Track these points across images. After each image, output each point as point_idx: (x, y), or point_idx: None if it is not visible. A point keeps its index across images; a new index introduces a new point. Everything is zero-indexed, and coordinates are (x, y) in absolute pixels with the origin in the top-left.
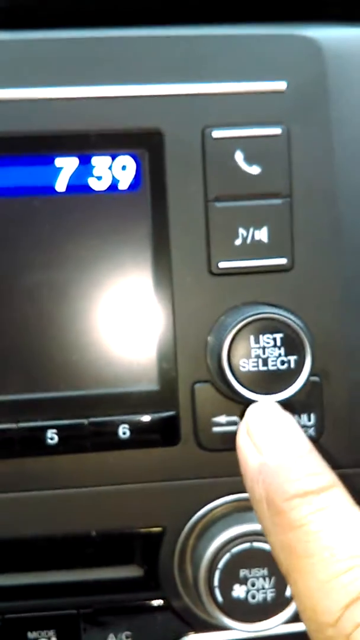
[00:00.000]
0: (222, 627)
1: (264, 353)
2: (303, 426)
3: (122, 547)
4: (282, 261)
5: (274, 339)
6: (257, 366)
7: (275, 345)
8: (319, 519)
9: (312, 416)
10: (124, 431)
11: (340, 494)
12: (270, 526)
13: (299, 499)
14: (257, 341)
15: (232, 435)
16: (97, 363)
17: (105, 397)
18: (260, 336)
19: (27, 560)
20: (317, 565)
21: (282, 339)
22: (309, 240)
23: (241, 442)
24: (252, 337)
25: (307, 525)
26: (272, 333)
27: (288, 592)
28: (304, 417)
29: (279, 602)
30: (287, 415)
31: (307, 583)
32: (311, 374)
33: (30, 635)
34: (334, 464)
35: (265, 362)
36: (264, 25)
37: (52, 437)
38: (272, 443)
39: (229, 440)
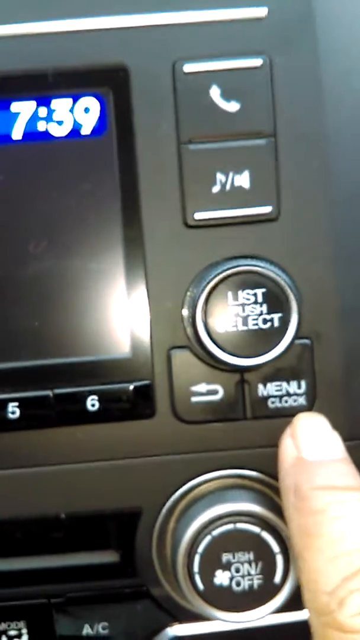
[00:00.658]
0: (209, 617)
1: (243, 311)
2: (293, 394)
3: (95, 531)
4: (267, 210)
5: (255, 295)
6: (236, 326)
7: (256, 302)
8: (338, 508)
9: (303, 383)
10: (92, 403)
11: (355, 486)
12: (292, 512)
13: (323, 491)
14: (235, 298)
15: (213, 406)
16: (62, 329)
17: (71, 366)
18: (239, 292)
19: None
20: (326, 544)
21: (264, 294)
22: (296, 186)
23: (284, 443)
24: (229, 294)
25: (325, 512)
26: (252, 288)
27: (277, 579)
28: (294, 384)
29: (267, 590)
30: (333, 432)
31: (315, 559)
32: (299, 335)
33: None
34: None
35: (245, 321)
36: None
37: (13, 410)
38: (312, 444)
39: (209, 411)
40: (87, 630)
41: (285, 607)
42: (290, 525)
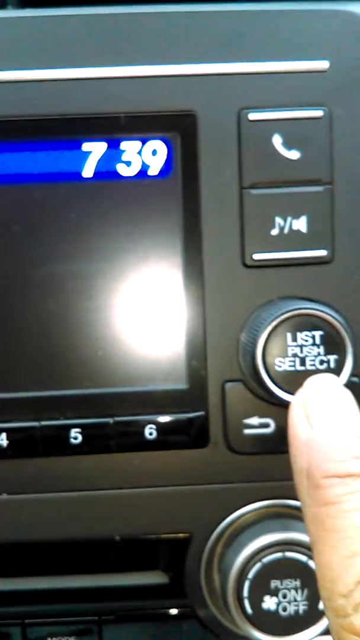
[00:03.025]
0: (248, 638)
1: (301, 352)
2: None
3: (146, 553)
4: (322, 253)
5: (313, 337)
6: (294, 365)
7: (314, 344)
8: (353, 500)
9: None
10: (150, 431)
11: None
12: (306, 497)
13: (338, 479)
14: (294, 339)
15: (265, 438)
16: (123, 359)
17: (131, 396)
18: (298, 333)
19: (48, 564)
20: (341, 541)
21: (321, 336)
22: (351, 230)
23: (294, 411)
24: (289, 335)
25: (340, 504)
26: (310, 330)
27: (321, 606)
28: None
29: (311, 615)
30: (346, 393)
31: (329, 556)
32: (352, 374)
33: None
34: None
35: (303, 362)
36: (306, 0)
37: (75, 436)
38: (325, 419)
39: (261, 444)
40: None
41: (325, 632)
42: (304, 511)
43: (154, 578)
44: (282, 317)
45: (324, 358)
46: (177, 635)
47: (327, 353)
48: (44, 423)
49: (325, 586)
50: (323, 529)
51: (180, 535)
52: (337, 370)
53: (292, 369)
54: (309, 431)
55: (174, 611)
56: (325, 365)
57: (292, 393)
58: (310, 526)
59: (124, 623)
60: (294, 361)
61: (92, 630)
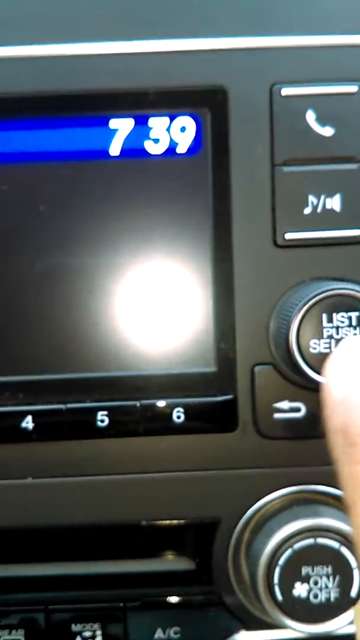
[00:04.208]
0: (275, 625)
1: (337, 333)
2: None
3: (173, 539)
4: (357, 232)
5: (349, 318)
6: (330, 348)
7: (350, 325)
8: None
9: None
10: (178, 415)
11: None
12: (342, 455)
13: None
14: (329, 320)
15: (295, 423)
16: (151, 342)
17: (158, 379)
18: (334, 314)
19: (74, 550)
20: None
21: (358, 317)
22: None
23: (329, 370)
24: (324, 316)
25: None
26: (347, 311)
27: (354, 593)
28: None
29: (343, 603)
30: None
31: None
32: None
33: (74, 628)
34: None
35: (338, 342)
36: None
37: (102, 419)
38: None
39: (291, 428)
40: (159, 634)
41: None
42: (339, 468)
43: (181, 564)
44: (317, 298)
45: None
46: (202, 622)
47: None
48: (70, 406)
49: None
50: None
51: (208, 520)
52: None
53: (328, 351)
54: (345, 389)
55: (200, 598)
56: None
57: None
58: (346, 487)
59: (149, 610)
60: (329, 343)
61: (117, 616)
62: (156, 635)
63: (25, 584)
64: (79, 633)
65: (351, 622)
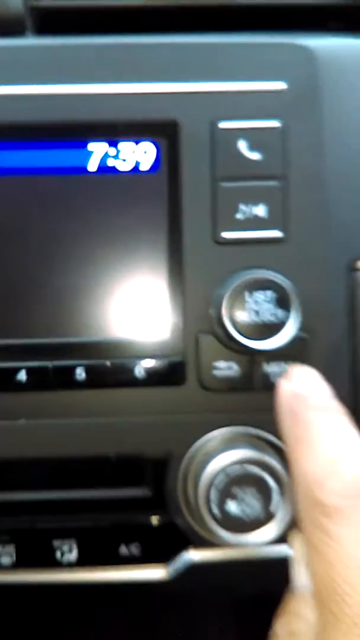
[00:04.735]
0: (217, 544)
1: (256, 306)
2: None
3: (134, 470)
4: (277, 233)
5: (265, 294)
6: (251, 318)
7: (266, 300)
8: (325, 420)
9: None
10: (139, 371)
11: (340, 411)
12: (288, 428)
13: (311, 409)
14: (251, 296)
15: (229, 378)
16: (119, 315)
17: (124, 343)
18: (254, 292)
19: (57, 479)
20: (313, 445)
21: (272, 294)
22: (301, 216)
23: (281, 384)
24: (246, 293)
25: (314, 422)
26: (264, 290)
27: (272, 508)
28: (292, 365)
29: (265, 516)
30: (320, 379)
31: (303, 457)
32: (299, 328)
33: (55, 543)
34: None
35: (257, 314)
36: (272, 33)
37: (80, 373)
38: (305, 382)
39: (226, 382)
40: (123, 549)
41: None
42: (286, 438)
43: (141, 492)
44: (242, 280)
45: (274, 311)
46: (158, 541)
47: (276, 307)
48: (55, 363)
49: (299, 481)
50: (298, 440)
51: (162, 455)
52: (285, 322)
53: (249, 320)
54: (293, 390)
55: (156, 520)
56: (275, 318)
57: (250, 339)
58: (290, 445)
59: (116, 529)
60: (251, 313)
61: (89, 534)
62: (121, 550)
63: (15, 507)
64: (59, 547)
65: (277, 541)
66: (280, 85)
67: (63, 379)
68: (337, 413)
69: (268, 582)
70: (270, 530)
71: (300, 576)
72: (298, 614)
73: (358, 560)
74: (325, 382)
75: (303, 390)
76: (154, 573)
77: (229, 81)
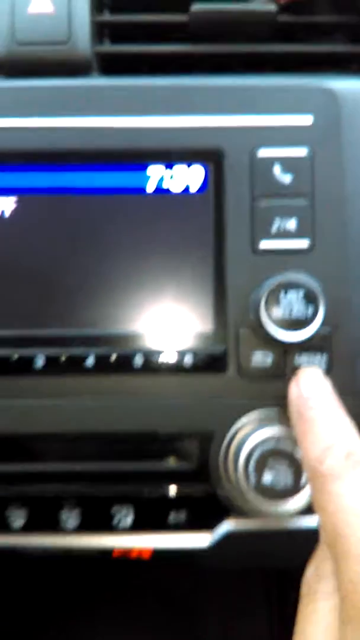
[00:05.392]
0: (253, 514)
1: (290, 304)
2: (318, 363)
3: (182, 446)
4: (306, 243)
5: (297, 294)
6: (285, 314)
7: (298, 299)
8: (327, 409)
9: (324, 356)
10: (188, 360)
11: (336, 405)
12: (296, 422)
13: (312, 409)
14: (285, 295)
15: (265, 368)
16: (171, 312)
17: (176, 336)
18: (288, 291)
19: (116, 453)
20: (315, 429)
21: (303, 294)
22: (326, 228)
23: (291, 386)
24: (282, 292)
25: (316, 413)
26: (296, 289)
27: (303, 480)
28: (319, 355)
29: (296, 487)
30: (324, 379)
31: (307, 438)
32: (324, 323)
33: (114, 508)
34: (339, 392)
35: (290, 311)
36: (303, 75)
37: (138, 360)
38: (309, 387)
39: (261, 371)
40: (172, 516)
41: (305, 512)
42: (295, 431)
43: (187, 466)
44: (277, 282)
45: (304, 309)
46: (202, 510)
47: (306, 305)
48: (118, 351)
49: (305, 455)
50: (303, 421)
51: (207, 433)
52: (313, 317)
53: (283, 316)
54: (299, 392)
55: (200, 490)
56: (304, 314)
57: (284, 331)
58: (297, 430)
59: (166, 499)
60: (285, 310)
61: (146, 503)
62: (171, 516)
63: (81, 476)
64: (117, 512)
65: (305, 512)
66: (309, 119)
67: (125, 365)
68: (333, 408)
69: (297, 554)
70: (300, 500)
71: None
72: (325, 557)
73: (352, 508)
74: (326, 381)
75: (306, 393)
76: (199, 539)
77: (266, 115)
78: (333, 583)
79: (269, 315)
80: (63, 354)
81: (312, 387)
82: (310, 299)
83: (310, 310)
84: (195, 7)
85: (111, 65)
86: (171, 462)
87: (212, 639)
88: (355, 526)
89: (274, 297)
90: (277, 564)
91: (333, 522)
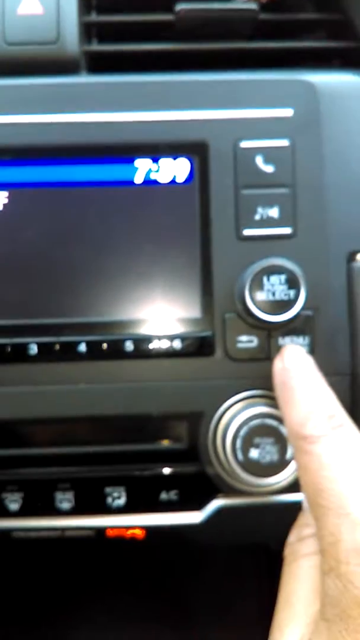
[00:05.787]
0: (243, 493)
1: (272, 287)
2: (301, 344)
3: (173, 427)
4: (288, 230)
5: (280, 278)
6: (268, 297)
7: (280, 282)
8: (307, 377)
9: (307, 338)
10: (177, 344)
11: (316, 375)
12: (280, 391)
13: (294, 379)
14: (268, 279)
15: (250, 350)
16: (160, 298)
17: (165, 321)
18: (271, 276)
19: (108, 435)
20: (296, 396)
21: (285, 278)
22: (307, 216)
23: (276, 361)
24: (265, 277)
25: (297, 384)
26: (278, 274)
27: (288, 455)
28: (301, 338)
29: (282, 463)
30: (306, 355)
31: (290, 405)
32: (306, 307)
33: (107, 490)
34: (322, 371)
35: (273, 294)
36: (283, 70)
37: (129, 346)
38: (292, 360)
39: (247, 353)
40: (163, 495)
41: (291, 489)
42: (278, 401)
43: (177, 445)
44: (260, 266)
45: (287, 291)
46: (193, 488)
47: (289, 288)
48: (107, 337)
49: (288, 421)
50: (285, 389)
51: (196, 412)
52: (295, 300)
53: (267, 299)
54: (282, 365)
55: (190, 469)
56: (287, 296)
57: (267, 314)
58: (280, 398)
59: (157, 477)
60: (268, 294)
61: (136, 481)
62: (162, 495)
63: (74, 459)
64: (110, 494)
65: (291, 488)
66: (289, 111)
67: (116, 351)
68: (313, 377)
69: (284, 528)
70: (285, 474)
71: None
72: (305, 523)
73: (333, 465)
74: (308, 355)
75: (289, 365)
76: (190, 517)
77: (248, 108)
78: (313, 545)
79: (253, 299)
80: (56, 342)
81: (295, 360)
82: (292, 282)
83: (292, 293)
84: (180, 6)
85: (99, 64)
86: (162, 443)
87: (204, 621)
88: (335, 481)
89: (257, 282)
90: (267, 539)
91: (314, 480)
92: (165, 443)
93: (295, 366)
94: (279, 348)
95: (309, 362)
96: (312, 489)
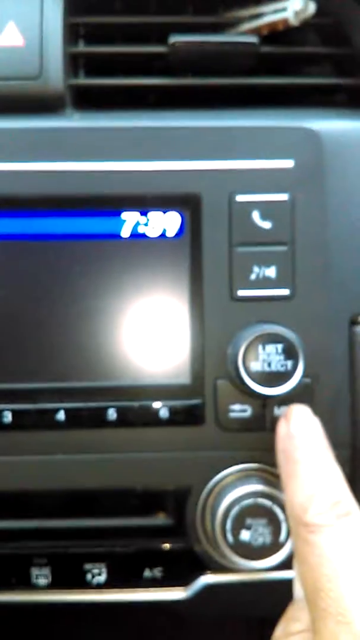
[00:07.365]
0: (232, 570)
1: (268, 357)
2: None
3: (158, 501)
4: (285, 292)
5: (276, 348)
6: (264, 367)
7: (277, 353)
8: (311, 454)
9: None
10: (164, 413)
11: (324, 447)
12: (282, 462)
13: (299, 449)
14: (264, 349)
15: (244, 420)
16: (146, 362)
17: (151, 387)
18: (267, 345)
19: (90, 508)
20: (300, 476)
21: (282, 347)
22: (306, 276)
23: (280, 423)
24: (260, 346)
25: (302, 459)
26: (274, 343)
27: (282, 538)
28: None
29: (275, 545)
30: (313, 417)
31: (292, 483)
32: (304, 375)
33: (86, 566)
34: None
35: (269, 365)
36: (282, 109)
37: (112, 414)
38: (298, 424)
39: (240, 423)
40: (147, 572)
41: (283, 566)
42: (280, 473)
43: (163, 521)
44: (256, 334)
45: (284, 362)
46: (179, 566)
47: (285, 359)
48: (89, 405)
49: (289, 499)
50: (289, 476)
51: (183, 488)
52: (293, 371)
53: (262, 369)
54: (287, 429)
55: (177, 546)
56: (284, 368)
57: (262, 386)
58: (283, 474)
59: (141, 554)
60: (264, 364)
61: (118, 558)
62: (145, 573)
63: (51, 534)
64: (89, 570)
65: (284, 565)
66: (289, 163)
67: (97, 419)
68: (321, 451)
69: (275, 604)
70: (278, 557)
71: (298, 588)
72: (294, 617)
73: (335, 562)
74: (316, 420)
75: (295, 432)
76: (174, 594)
77: (244, 159)
78: None
79: (247, 369)
80: (32, 409)
81: (301, 425)
82: (289, 352)
83: (289, 364)
84: (174, 38)
85: (86, 99)
86: (147, 518)
87: None
88: (336, 581)
89: (251, 351)
90: (257, 613)
91: (314, 575)
92: (150, 518)
93: (302, 433)
94: (274, 419)
95: (317, 428)
96: (310, 586)
